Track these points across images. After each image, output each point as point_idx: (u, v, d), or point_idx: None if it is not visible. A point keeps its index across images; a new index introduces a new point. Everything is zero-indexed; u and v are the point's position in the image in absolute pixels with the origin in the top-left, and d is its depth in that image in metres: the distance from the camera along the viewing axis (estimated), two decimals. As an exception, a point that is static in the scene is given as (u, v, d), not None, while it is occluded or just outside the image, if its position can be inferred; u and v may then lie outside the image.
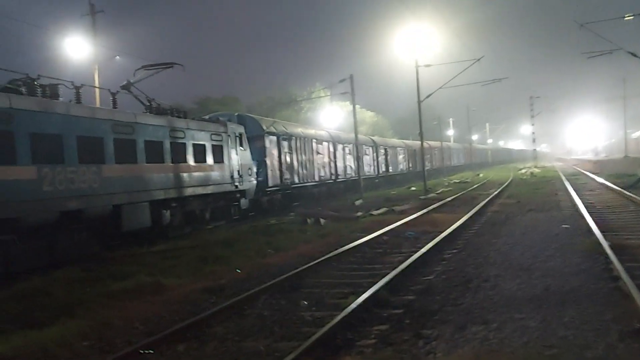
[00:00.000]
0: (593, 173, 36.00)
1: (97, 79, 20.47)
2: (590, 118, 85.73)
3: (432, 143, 59.25)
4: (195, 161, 15.23)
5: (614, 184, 23.35)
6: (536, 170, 50.10)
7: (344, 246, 11.15)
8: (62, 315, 6.32)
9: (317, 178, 26.29)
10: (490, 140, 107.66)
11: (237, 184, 17.69)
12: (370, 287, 7.36)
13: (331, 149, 29.29)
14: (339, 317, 5.98)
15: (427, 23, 30.93)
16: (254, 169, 19.43)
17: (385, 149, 42.47)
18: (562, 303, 6.04)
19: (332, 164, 29.45)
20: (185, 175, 14.65)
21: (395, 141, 48.95)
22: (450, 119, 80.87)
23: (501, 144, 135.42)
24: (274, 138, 21.38)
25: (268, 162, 20.53)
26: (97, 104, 19.10)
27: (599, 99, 80.00)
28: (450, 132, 78.85)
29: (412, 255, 9.71)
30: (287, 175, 22.33)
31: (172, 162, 14.11)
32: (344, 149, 31.53)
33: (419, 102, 30.28)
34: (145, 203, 12.98)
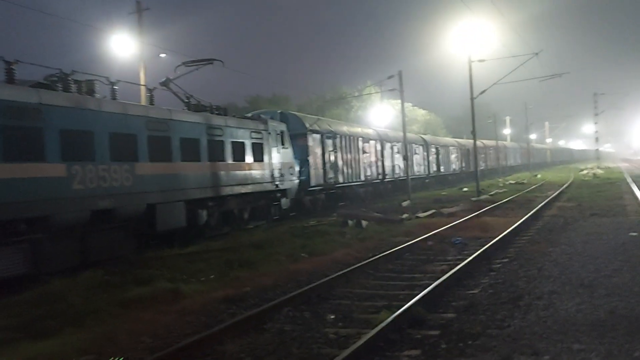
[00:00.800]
0: (664, 175, 33.30)
1: (142, 76, 20.53)
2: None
3: (486, 142, 57.04)
4: (234, 159, 14.83)
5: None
6: (599, 171, 47.14)
7: (383, 252, 10.40)
8: (71, 325, 5.93)
9: (362, 178, 25.49)
10: (549, 140, 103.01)
11: (277, 183, 17.21)
12: (407, 300, 6.60)
13: (378, 148, 28.40)
14: (365, 338, 5.26)
15: (483, 18, 29.54)
16: (296, 168, 18.90)
17: (437, 148, 41.06)
18: (632, 332, 5.07)
19: (380, 163, 28.56)
20: (223, 173, 14.26)
21: (447, 140, 47.32)
22: (507, 117, 77.89)
23: (561, 143, 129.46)
24: (318, 136, 20.77)
25: (311, 160, 19.95)
26: (142, 102, 19.14)
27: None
28: (507, 131, 75.86)
29: (458, 264, 8.84)
30: (330, 175, 21.68)
31: (209, 160, 13.74)
32: (392, 148, 30.56)
33: (472, 98, 28.87)
34: (181, 202, 12.64)
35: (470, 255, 9.74)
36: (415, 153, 35.78)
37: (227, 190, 14.43)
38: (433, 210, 18.81)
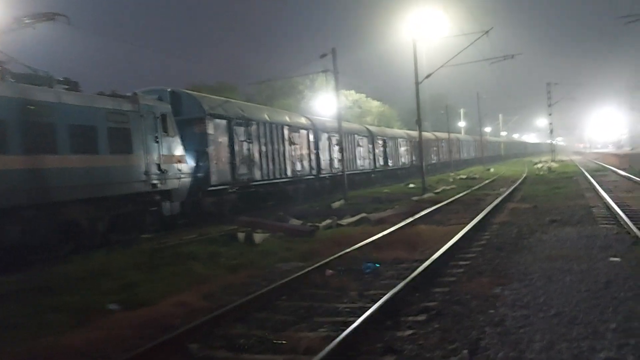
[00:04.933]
0: (620, 169, 30.98)
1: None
2: (611, 109, 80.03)
3: (439, 134, 54.34)
4: (75, 151, 10.74)
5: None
6: (554, 165, 45.02)
7: (249, 295, 6.65)
8: None
9: (290, 173, 21.67)
10: (504, 133, 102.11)
11: (155, 181, 13.19)
12: None
13: (312, 139, 24.63)
14: None
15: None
16: (188, 162, 14.92)
17: (384, 140, 37.68)
18: None
19: (313, 157, 24.81)
20: (52, 170, 10.17)
21: (396, 131, 44.09)
22: (462, 109, 75.83)
23: (515, 136, 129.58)
24: (223, 122, 16.77)
25: (212, 152, 15.94)
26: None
27: (621, 89, 74.25)
28: (462, 124, 73.76)
29: (346, 326, 5.19)
30: (243, 170, 17.75)
31: (25, 153, 9.63)
32: (329, 139, 26.83)
33: (417, 82, 25.50)
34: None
35: (374, 302, 6.12)
36: (359, 145, 32.23)
37: (61, 195, 10.34)
38: (362, 215, 15.21)
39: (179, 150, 14.36)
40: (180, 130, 15.07)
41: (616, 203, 13.85)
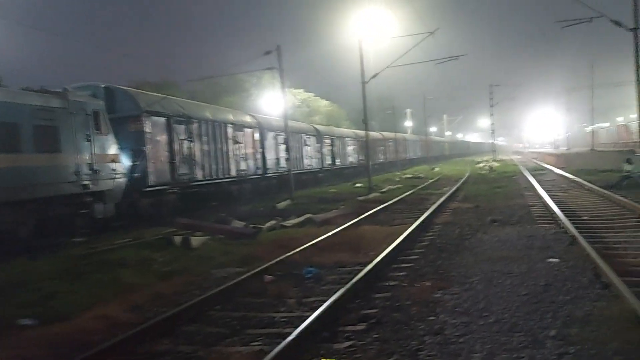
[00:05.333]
0: (558, 168, 32.21)
1: None
2: (549, 110, 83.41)
3: (385, 134, 54.92)
4: (-7, 150, 9.89)
5: (591, 182, 19.22)
6: (495, 164, 46.38)
7: (180, 306, 6.21)
8: None
9: (234, 173, 21.10)
10: (448, 133, 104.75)
11: (87, 182, 12.40)
12: None
13: (257, 137, 24.11)
14: None
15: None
16: (124, 162, 14.16)
17: (332, 139, 37.62)
18: None
19: (259, 156, 24.31)
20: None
21: (343, 130, 44.11)
22: (408, 109, 77.05)
23: (459, 136, 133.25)
24: (162, 120, 16.05)
25: (149, 151, 15.19)
26: None
27: (558, 91, 77.54)
28: (408, 124, 74.97)
29: (282, 338, 4.86)
30: (183, 170, 17.07)
31: None
32: (276, 138, 26.39)
33: (363, 82, 25.51)
34: None
35: (312, 310, 5.83)
36: (306, 144, 31.96)
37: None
38: (307, 216, 14.92)
39: (113, 149, 13.59)
40: (116, 129, 14.30)
41: (554, 202, 14.18)
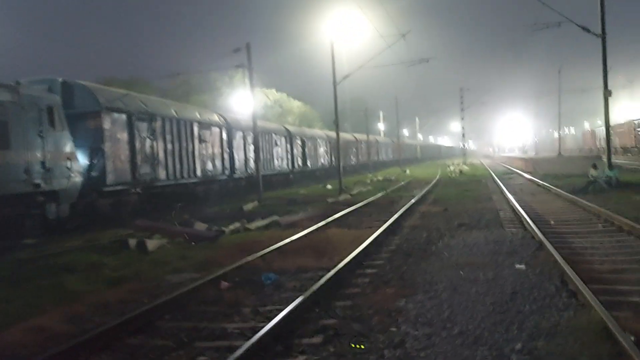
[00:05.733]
0: (526, 172, 32.57)
1: None
2: (518, 115, 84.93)
3: (358, 136, 54.85)
4: None
5: (558, 187, 19.35)
6: (465, 167, 46.75)
7: (125, 317, 5.73)
8: None
9: (199, 173, 20.53)
10: (420, 136, 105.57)
11: (38, 181, 11.73)
12: None
13: (225, 137, 23.57)
14: None
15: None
16: (80, 160, 13.51)
17: (303, 141, 37.23)
18: None
19: (227, 156, 23.76)
20: None
21: (315, 132, 43.82)
22: (381, 112, 77.20)
23: (430, 139, 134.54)
24: (122, 117, 15.40)
25: (108, 150, 14.55)
26: None
27: (527, 96, 79.05)
28: (381, 126, 75.14)
29: (228, 355, 4.45)
30: (145, 170, 16.44)
31: None
32: (244, 138, 25.88)
33: (335, 83, 25.24)
34: None
35: (268, 321, 5.45)
36: (277, 145, 31.51)
37: None
38: (273, 218, 14.51)
39: (68, 147, 12.93)
40: (73, 126, 13.65)
41: (521, 206, 14.13)
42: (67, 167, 12.77)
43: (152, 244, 10.07)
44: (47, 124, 12.15)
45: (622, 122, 43.76)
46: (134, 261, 8.89)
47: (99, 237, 11.05)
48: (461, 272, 7.08)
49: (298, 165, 35.46)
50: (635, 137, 41.71)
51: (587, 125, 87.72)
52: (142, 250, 9.77)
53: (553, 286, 6.15)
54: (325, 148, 42.73)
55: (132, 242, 10.05)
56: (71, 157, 12.95)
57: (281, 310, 5.77)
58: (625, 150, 43.85)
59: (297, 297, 6.20)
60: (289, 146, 33.66)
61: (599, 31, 18.49)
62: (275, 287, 7.30)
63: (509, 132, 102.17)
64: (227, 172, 23.62)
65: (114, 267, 8.37)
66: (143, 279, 7.66)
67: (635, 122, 42.43)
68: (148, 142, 16.62)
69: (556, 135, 62.43)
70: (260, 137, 26.48)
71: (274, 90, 69.45)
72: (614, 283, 6.32)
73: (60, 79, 14.25)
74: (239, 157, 25.12)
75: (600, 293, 5.66)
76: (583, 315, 4.97)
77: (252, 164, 25.62)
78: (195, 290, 6.90)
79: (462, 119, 54.87)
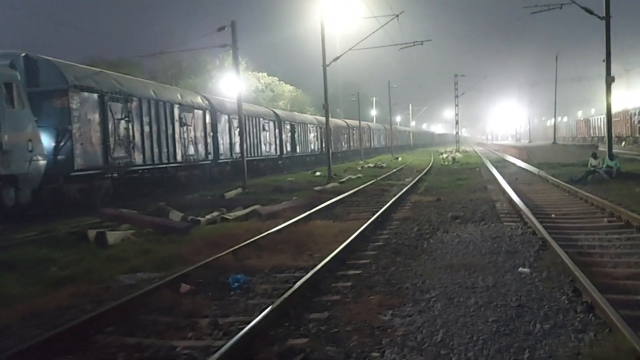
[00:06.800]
0: (521, 160, 31.77)
1: None
2: (512, 103, 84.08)
3: (350, 122, 53.80)
4: None
5: (554, 177, 18.52)
6: (458, 155, 45.91)
7: (55, 328, 4.77)
8: None
9: (180, 157, 19.48)
10: (413, 123, 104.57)
11: (-6, 165, 10.67)
12: None
13: (208, 120, 22.50)
14: None
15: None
16: (44, 142, 12.43)
17: (293, 125, 36.12)
18: None
19: (210, 140, 22.71)
20: None
21: (305, 117, 42.66)
22: (374, 97, 76.01)
23: (424, 126, 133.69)
24: (94, 97, 14.28)
25: (77, 131, 13.44)
26: None
27: (522, 83, 78.09)
28: (374, 112, 73.99)
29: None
30: (119, 153, 15.37)
31: None
32: (230, 122, 24.81)
33: (324, 65, 24.13)
34: None
35: (226, 338, 4.52)
36: (264, 129, 30.40)
37: None
38: (254, 207, 13.54)
39: (30, 127, 11.85)
40: (38, 104, 12.60)
41: (518, 197, 13.24)
42: (29, 150, 11.69)
43: (113, 236, 9.07)
44: (5, 101, 11.05)
45: (618, 111, 43.07)
46: (88, 256, 7.89)
47: (58, 227, 10.03)
48: (456, 277, 6.16)
49: (287, 150, 34.44)
50: (631, 126, 41.02)
51: (580, 114, 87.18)
52: (101, 243, 8.78)
53: (565, 297, 5.25)
54: (315, 134, 41.65)
55: (92, 233, 9.04)
56: (33, 139, 11.87)
57: (247, 322, 4.85)
58: (620, 139, 43.23)
59: (267, 306, 5.27)
60: (277, 131, 32.58)
61: (603, 13, 17.51)
62: (244, 291, 6.35)
63: (503, 119, 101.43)
64: (210, 156, 22.59)
65: (63, 264, 7.37)
66: (92, 280, 6.66)
67: (631, 111, 41.72)
68: (123, 124, 15.52)
69: (548, 123, 61.72)
70: (247, 121, 25.45)
71: (265, 74, 68.02)
72: (634, 292, 5.43)
73: (22, 54, 13.09)
74: (223, 141, 24.08)
75: (621, 306, 4.78)
76: (607, 340, 4.06)
77: (237, 148, 24.55)
78: (148, 295, 5.94)
79: (456, 105, 53.92)
